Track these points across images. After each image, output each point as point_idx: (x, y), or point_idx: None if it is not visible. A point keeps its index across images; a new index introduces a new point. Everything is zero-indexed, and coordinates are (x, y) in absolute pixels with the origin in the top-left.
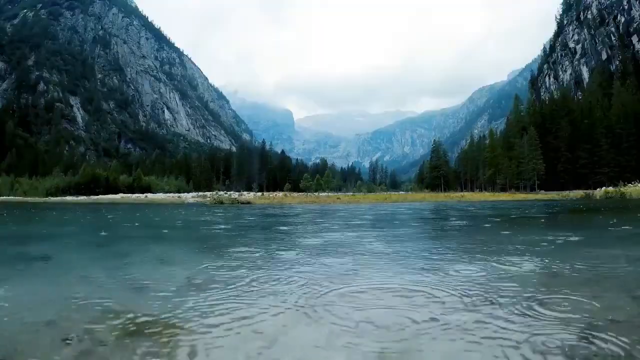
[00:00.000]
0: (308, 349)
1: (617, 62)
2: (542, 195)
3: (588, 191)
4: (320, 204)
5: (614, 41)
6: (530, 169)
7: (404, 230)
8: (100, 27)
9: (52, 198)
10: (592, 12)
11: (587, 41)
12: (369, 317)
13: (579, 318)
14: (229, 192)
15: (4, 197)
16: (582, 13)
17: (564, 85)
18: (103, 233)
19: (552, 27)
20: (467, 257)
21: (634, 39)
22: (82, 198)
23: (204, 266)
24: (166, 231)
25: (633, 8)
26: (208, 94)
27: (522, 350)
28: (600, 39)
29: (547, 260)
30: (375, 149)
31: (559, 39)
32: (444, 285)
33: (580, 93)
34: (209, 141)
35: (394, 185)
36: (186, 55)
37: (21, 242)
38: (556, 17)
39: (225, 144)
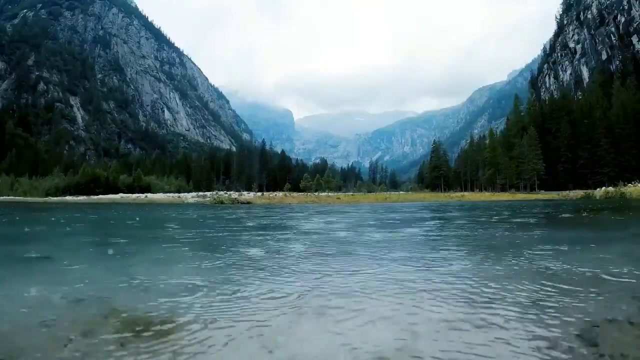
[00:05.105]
0: (308, 348)
1: (617, 62)
2: (542, 195)
3: (588, 191)
4: (320, 204)
5: (614, 41)
6: (530, 169)
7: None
8: (100, 27)
9: (51, 198)
10: (592, 12)
11: (587, 41)
12: (369, 317)
13: (579, 318)
14: (229, 192)
15: (4, 197)
16: (582, 13)
17: (564, 85)
18: (102, 233)
19: (552, 27)
20: (465, 255)
21: (634, 39)
22: (81, 198)
23: (203, 266)
24: (166, 231)
25: (633, 8)
26: (208, 94)
27: (521, 350)
28: (600, 39)
29: (547, 260)
30: (375, 149)
31: (559, 39)
32: (443, 283)
33: (580, 93)
34: (209, 141)
35: (394, 185)
36: (186, 55)
37: (21, 242)
38: (556, 17)
39: (225, 144)
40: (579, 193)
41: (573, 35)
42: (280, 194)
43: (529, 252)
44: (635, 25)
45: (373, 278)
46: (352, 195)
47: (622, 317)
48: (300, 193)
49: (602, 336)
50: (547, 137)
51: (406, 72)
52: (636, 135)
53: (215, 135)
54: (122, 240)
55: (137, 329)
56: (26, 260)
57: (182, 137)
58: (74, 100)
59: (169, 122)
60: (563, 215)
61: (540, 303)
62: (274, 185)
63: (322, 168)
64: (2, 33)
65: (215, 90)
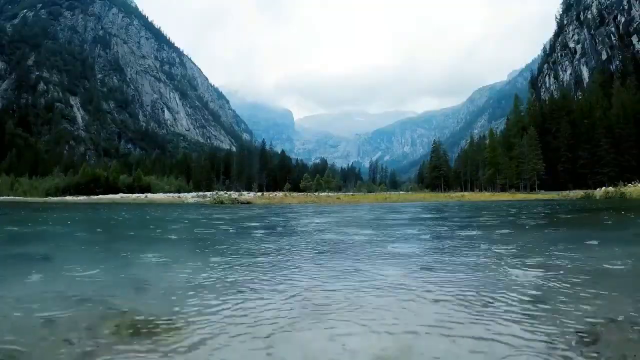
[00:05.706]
0: (308, 349)
1: (617, 62)
2: (542, 195)
3: (588, 191)
4: (320, 204)
5: (614, 41)
6: (530, 169)
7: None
8: (100, 27)
9: (51, 198)
10: (592, 12)
11: (587, 41)
12: (370, 318)
13: (579, 318)
14: (229, 192)
15: (4, 197)
16: (582, 13)
17: (564, 85)
18: (102, 233)
19: (552, 27)
20: (464, 256)
21: (634, 39)
22: (81, 198)
23: (203, 266)
24: (166, 231)
25: (633, 8)
26: (208, 94)
27: (521, 350)
28: (600, 39)
29: (546, 260)
30: (375, 149)
31: (559, 39)
32: (442, 284)
33: (580, 93)
34: (209, 141)
35: (394, 185)
36: (186, 55)
37: (21, 242)
38: (556, 17)
39: (225, 144)
40: (579, 193)
41: (573, 35)
42: (280, 194)
43: (528, 252)
44: (635, 25)
45: (373, 278)
46: (352, 195)
47: (622, 317)
48: (300, 193)
49: (602, 336)
50: (547, 137)
51: (406, 72)
52: (636, 135)
53: (215, 135)
54: (122, 240)
55: (137, 329)
56: (26, 260)
57: (182, 137)
58: (74, 100)
59: (169, 122)
60: (563, 215)
61: (540, 303)
62: (274, 185)
63: (322, 168)
64: (2, 33)
65: (215, 90)
